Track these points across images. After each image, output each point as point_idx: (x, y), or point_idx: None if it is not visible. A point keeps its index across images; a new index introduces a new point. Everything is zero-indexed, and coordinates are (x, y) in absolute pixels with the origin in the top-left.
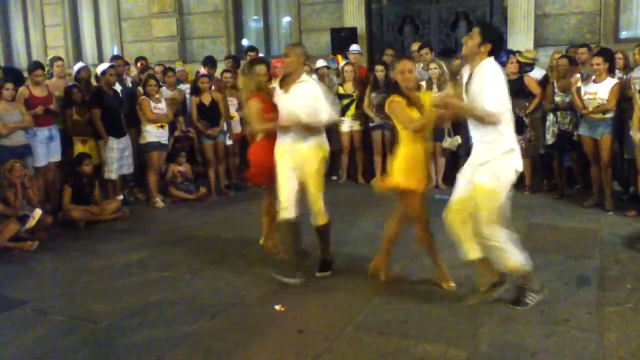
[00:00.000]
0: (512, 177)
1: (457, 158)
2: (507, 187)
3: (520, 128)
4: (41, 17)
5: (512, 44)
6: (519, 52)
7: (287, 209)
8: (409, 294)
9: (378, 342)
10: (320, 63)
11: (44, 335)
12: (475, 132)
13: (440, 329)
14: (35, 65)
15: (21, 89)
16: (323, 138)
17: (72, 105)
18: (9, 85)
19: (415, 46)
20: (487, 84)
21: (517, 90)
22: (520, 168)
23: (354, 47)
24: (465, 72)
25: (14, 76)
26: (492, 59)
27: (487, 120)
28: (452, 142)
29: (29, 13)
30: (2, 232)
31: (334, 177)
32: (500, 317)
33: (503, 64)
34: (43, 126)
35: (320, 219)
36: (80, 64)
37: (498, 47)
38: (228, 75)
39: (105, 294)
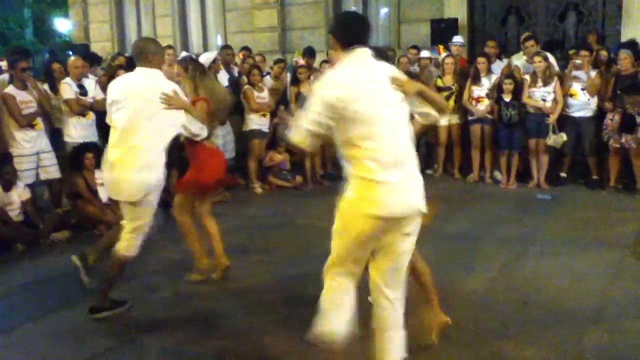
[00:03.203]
0: None
1: (561, 156)
2: None
3: (631, 127)
4: (152, 8)
5: (628, 37)
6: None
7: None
8: (509, 294)
9: (474, 343)
10: (425, 54)
11: (147, 310)
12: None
13: (541, 333)
14: None
15: None
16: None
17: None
18: (121, 72)
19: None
20: None
21: (631, 85)
22: None
23: (457, 39)
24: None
25: (130, 63)
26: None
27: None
28: (556, 139)
29: (141, 4)
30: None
31: (430, 171)
32: (607, 327)
33: (613, 60)
34: None
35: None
36: (183, 54)
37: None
38: (327, 65)
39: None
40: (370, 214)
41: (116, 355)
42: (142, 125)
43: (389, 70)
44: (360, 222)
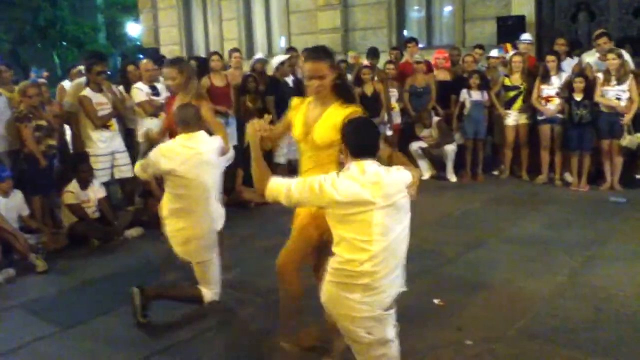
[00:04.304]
0: None
1: (636, 157)
2: None
3: None
4: (219, 12)
5: None
6: None
7: None
8: (578, 301)
9: (543, 351)
10: (494, 53)
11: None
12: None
13: (613, 343)
14: (212, 53)
15: (203, 80)
16: None
17: (246, 93)
18: None
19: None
20: None
21: None
22: None
23: (525, 36)
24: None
25: (202, 65)
26: None
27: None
28: (632, 139)
29: (208, 8)
30: None
31: (496, 172)
32: None
33: None
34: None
35: None
36: (258, 55)
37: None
38: (391, 66)
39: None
40: None
41: (185, 348)
42: None
43: (401, 181)
44: None
